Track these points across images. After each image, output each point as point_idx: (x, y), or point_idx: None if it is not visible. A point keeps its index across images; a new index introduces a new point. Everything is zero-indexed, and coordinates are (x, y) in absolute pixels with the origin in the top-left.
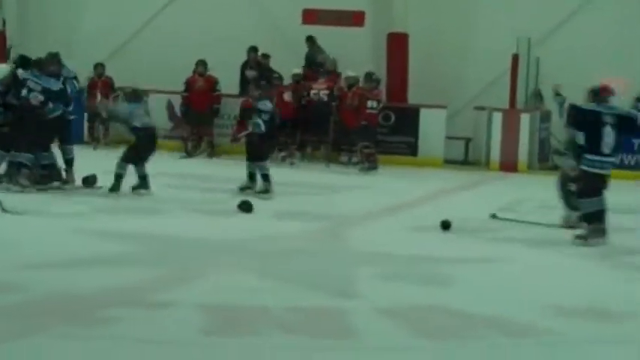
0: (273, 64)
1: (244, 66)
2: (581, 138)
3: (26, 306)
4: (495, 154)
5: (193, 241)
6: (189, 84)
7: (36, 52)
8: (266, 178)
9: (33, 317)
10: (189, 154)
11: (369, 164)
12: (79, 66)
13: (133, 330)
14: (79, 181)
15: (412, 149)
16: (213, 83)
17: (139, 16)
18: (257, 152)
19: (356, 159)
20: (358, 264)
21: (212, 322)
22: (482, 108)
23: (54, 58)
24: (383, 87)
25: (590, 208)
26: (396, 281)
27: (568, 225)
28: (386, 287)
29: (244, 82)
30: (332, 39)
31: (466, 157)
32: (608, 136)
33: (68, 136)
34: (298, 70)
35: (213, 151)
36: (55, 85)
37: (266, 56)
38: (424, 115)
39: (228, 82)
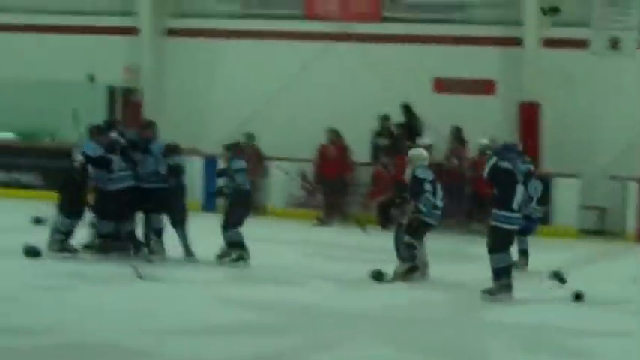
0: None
1: (376, 134)
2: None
3: None
4: (631, 224)
5: (328, 310)
6: (321, 152)
7: (172, 119)
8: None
9: None
10: (322, 223)
11: None
12: (211, 133)
13: None
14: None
15: (545, 218)
16: (345, 152)
17: (269, 85)
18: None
19: None
20: (493, 334)
21: None
22: (616, 178)
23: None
24: None
25: (500, 263)
26: (532, 353)
27: (397, 277)
28: (518, 357)
29: (376, 150)
30: (462, 107)
31: (601, 227)
32: (520, 194)
33: (156, 205)
34: (428, 140)
35: (345, 219)
36: (94, 152)
37: (399, 125)
38: (557, 184)
39: (360, 150)
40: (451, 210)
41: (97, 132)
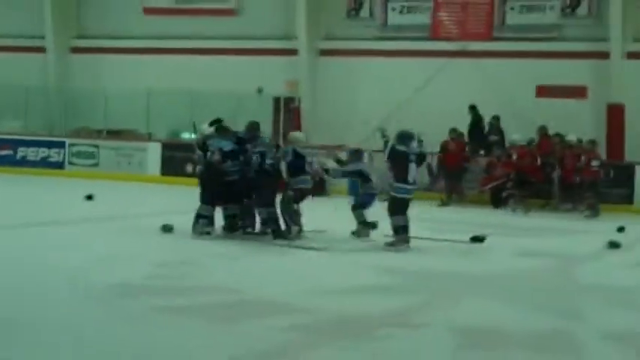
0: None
1: (488, 131)
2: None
3: (315, 325)
4: None
5: (446, 274)
6: (443, 147)
7: (323, 122)
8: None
9: (321, 334)
10: (444, 204)
11: (592, 212)
12: (355, 134)
13: (398, 345)
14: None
15: (629, 199)
16: (463, 146)
17: (401, 94)
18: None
19: (582, 207)
20: (586, 293)
21: (461, 341)
22: None
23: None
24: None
25: (399, 222)
26: (621, 309)
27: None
28: (612, 314)
29: (488, 144)
30: (560, 109)
31: None
32: (413, 170)
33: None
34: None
35: (464, 200)
36: (227, 146)
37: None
38: (638, 171)
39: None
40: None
41: (223, 131)
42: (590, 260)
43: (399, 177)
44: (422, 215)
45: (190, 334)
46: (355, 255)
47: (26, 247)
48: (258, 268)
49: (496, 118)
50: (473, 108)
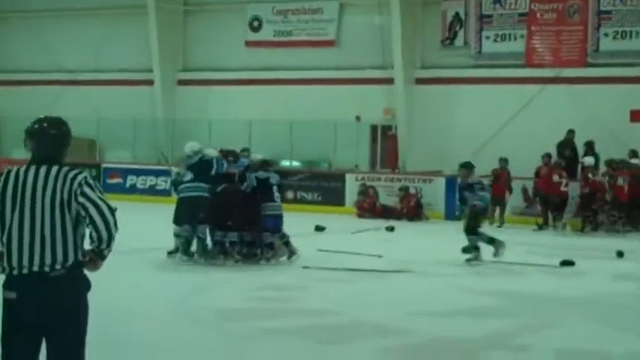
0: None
1: (583, 156)
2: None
3: (414, 347)
4: None
5: (542, 297)
6: (537, 172)
7: (420, 148)
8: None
9: (422, 356)
10: (540, 228)
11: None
12: (451, 159)
13: None
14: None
15: None
16: (554, 170)
17: (496, 120)
18: None
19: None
20: None
21: None
22: None
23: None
24: None
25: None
26: None
27: None
28: None
29: (582, 169)
30: None
31: None
32: (276, 192)
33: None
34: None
35: (564, 225)
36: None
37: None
38: None
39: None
40: None
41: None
42: None
43: (265, 200)
44: (517, 239)
45: (295, 355)
46: (447, 278)
47: (130, 272)
48: (356, 292)
49: (590, 144)
50: (570, 131)
